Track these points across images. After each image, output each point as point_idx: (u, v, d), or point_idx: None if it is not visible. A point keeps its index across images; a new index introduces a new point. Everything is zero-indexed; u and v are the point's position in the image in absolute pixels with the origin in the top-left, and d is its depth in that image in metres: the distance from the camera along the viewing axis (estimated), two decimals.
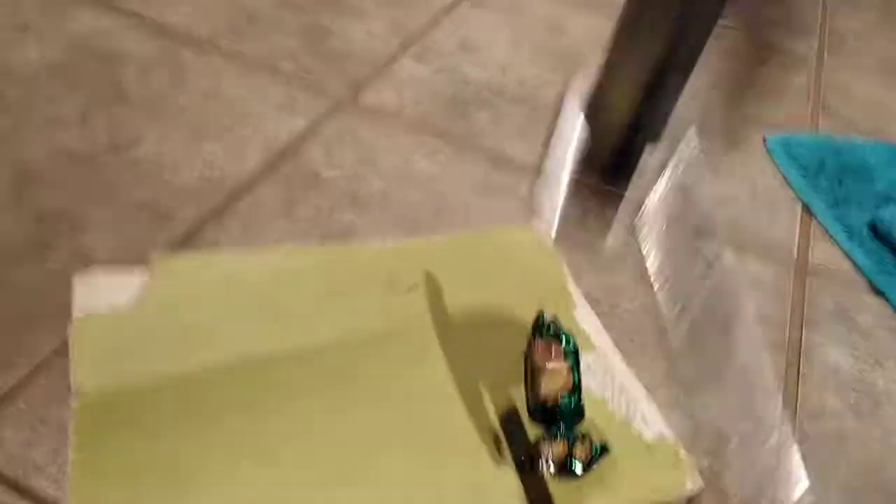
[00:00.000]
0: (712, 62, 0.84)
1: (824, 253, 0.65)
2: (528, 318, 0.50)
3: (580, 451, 0.43)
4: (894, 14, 1.04)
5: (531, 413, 0.45)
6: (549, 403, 0.44)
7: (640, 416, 0.47)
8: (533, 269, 0.56)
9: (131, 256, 0.51)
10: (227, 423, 0.42)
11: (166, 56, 0.70)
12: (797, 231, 0.66)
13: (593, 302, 0.55)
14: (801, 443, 0.49)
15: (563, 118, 0.32)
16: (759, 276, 0.61)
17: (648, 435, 0.46)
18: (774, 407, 0.51)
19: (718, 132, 0.76)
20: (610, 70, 0.30)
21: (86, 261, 0.50)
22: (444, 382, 0.47)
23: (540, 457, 0.42)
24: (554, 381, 0.44)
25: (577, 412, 0.44)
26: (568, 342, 0.46)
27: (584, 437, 0.43)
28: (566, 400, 0.44)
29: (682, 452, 0.45)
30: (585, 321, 0.52)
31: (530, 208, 0.51)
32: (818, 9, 1.02)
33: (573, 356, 0.45)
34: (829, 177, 0.72)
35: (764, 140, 0.76)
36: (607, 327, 0.53)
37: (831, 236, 0.66)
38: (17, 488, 0.39)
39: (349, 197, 0.60)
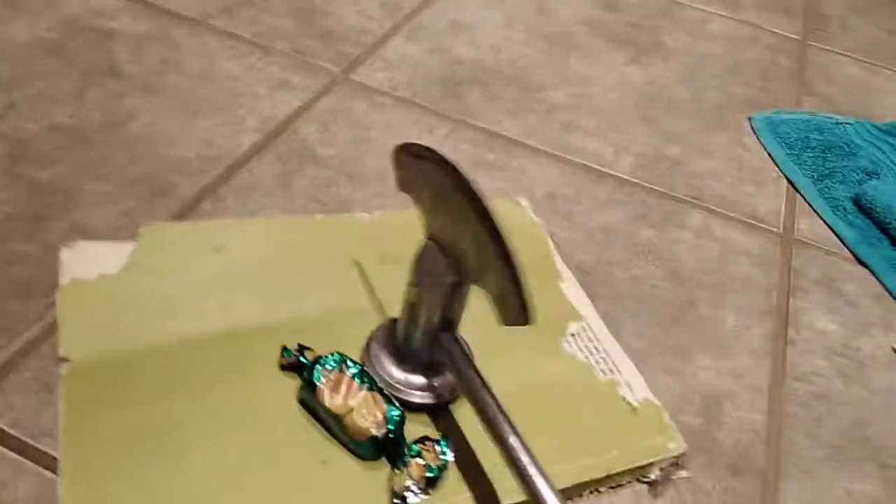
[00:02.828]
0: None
1: (809, 226, 0.66)
2: None
3: (429, 456, 0.40)
4: None
5: (366, 451, 0.40)
6: (378, 435, 0.39)
7: (625, 383, 0.48)
8: (520, 241, 0.57)
9: (127, 230, 0.51)
10: (218, 389, 0.42)
11: (159, 36, 0.70)
12: (783, 205, 0.68)
13: (585, 272, 0.56)
14: (790, 403, 0.51)
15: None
16: (747, 247, 0.62)
17: (633, 400, 0.47)
18: (763, 369, 0.52)
19: (706, 111, 0.77)
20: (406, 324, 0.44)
21: (82, 233, 0.50)
22: None
23: (407, 491, 0.39)
24: (363, 416, 0.40)
25: (399, 417, 0.40)
26: (349, 364, 0.42)
27: (425, 439, 0.41)
28: (389, 413, 0.40)
29: (666, 416, 0.46)
30: (571, 293, 0.54)
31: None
32: None
33: (360, 375, 0.42)
34: (814, 153, 0.74)
35: (750, 119, 0.77)
36: (600, 296, 0.54)
37: (816, 210, 0.68)
38: (26, 454, 0.39)
39: (345, 173, 0.61)
